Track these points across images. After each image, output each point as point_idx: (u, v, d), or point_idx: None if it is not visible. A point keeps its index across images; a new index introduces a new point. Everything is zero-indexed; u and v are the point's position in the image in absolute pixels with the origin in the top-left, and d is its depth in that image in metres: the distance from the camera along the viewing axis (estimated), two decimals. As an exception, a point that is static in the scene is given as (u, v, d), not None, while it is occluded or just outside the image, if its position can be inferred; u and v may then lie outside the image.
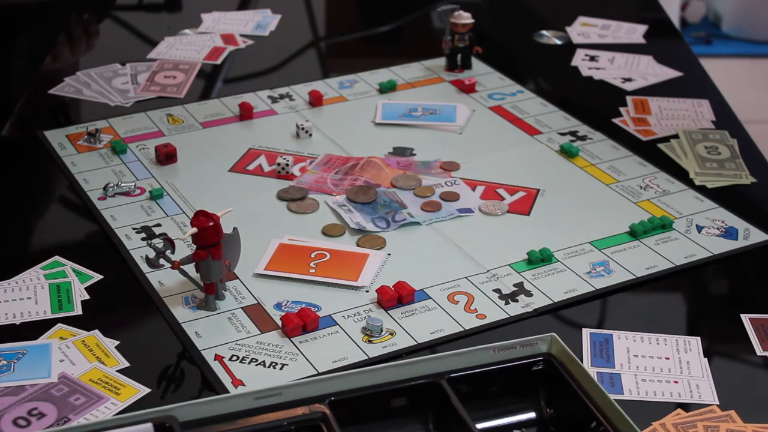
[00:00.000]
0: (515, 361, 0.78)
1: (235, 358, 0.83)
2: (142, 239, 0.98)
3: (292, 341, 0.85)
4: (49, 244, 0.97)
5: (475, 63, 1.35)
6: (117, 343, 0.85)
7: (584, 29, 1.46)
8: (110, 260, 0.95)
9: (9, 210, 1.05)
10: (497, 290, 0.92)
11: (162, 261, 0.89)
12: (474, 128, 1.20)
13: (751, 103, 2.73)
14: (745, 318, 0.89)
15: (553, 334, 0.78)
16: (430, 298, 0.91)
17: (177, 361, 0.84)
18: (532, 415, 0.78)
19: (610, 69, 1.34)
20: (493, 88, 1.29)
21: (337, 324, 0.88)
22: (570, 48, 1.41)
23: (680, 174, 1.10)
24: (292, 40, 1.46)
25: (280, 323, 0.87)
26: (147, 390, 0.80)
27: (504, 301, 0.91)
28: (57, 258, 0.95)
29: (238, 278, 0.93)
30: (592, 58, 1.37)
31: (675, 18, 2.96)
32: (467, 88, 1.28)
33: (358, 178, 1.08)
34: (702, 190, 1.07)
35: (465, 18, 1.30)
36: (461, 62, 1.33)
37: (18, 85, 1.33)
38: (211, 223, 0.86)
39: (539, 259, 0.95)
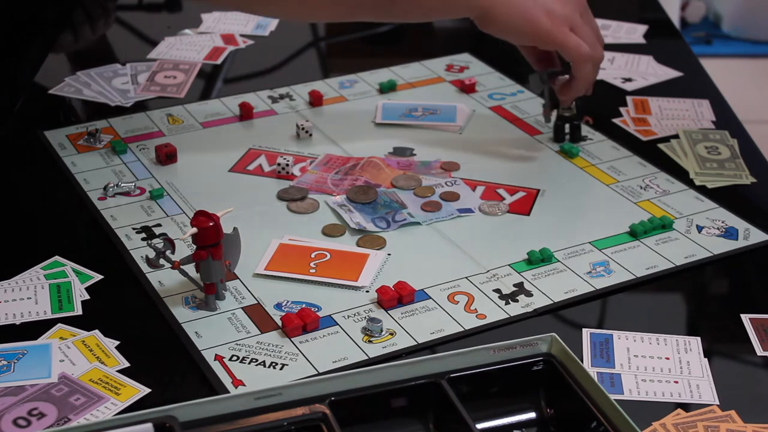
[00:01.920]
0: (515, 361, 0.78)
1: (235, 358, 0.83)
2: (142, 239, 0.98)
3: (292, 341, 0.85)
4: (49, 244, 0.97)
5: (476, 63, 1.35)
6: (117, 343, 0.85)
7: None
8: (110, 260, 0.95)
9: (9, 210, 1.05)
10: (497, 290, 0.92)
11: (162, 261, 0.89)
12: (474, 128, 1.20)
13: (751, 103, 2.73)
14: (745, 318, 0.89)
15: (553, 334, 0.78)
16: (430, 298, 0.91)
17: (177, 361, 0.84)
18: (532, 415, 0.78)
19: (610, 69, 1.34)
20: (493, 88, 1.29)
21: (337, 324, 0.88)
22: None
23: (680, 174, 1.10)
24: (292, 40, 1.46)
25: (280, 323, 0.87)
26: (147, 390, 0.80)
27: (504, 301, 0.91)
28: (57, 258, 0.95)
29: (238, 278, 0.93)
30: (592, 58, 1.37)
31: (675, 18, 2.96)
32: (467, 88, 1.28)
33: (358, 178, 1.08)
34: (702, 190, 1.08)
35: None
36: (570, 134, 1.16)
37: (22, 86, 1.33)
38: (211, 223, 0.86)
39: (539, 259, 0.95)
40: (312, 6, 1.06)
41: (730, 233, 1.00)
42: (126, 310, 0.90)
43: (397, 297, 0.90)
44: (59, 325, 0.87)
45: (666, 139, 1.17)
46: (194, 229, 0.86)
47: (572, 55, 1.07)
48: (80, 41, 1.43)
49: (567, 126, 1.16)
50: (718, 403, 0.79)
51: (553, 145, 1.16)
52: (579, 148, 1.14)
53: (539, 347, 0.78)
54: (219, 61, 1.36)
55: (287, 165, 1.09)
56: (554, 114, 1.16)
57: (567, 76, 1.12)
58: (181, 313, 0.88)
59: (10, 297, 0.90)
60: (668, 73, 1.34)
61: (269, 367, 0.83)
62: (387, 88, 1.28)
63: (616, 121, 1.22)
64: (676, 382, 0.82)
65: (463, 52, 1.38)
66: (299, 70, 1.39)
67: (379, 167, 1.10)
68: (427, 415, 0.76)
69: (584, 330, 0.87)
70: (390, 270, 0.95)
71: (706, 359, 0.85)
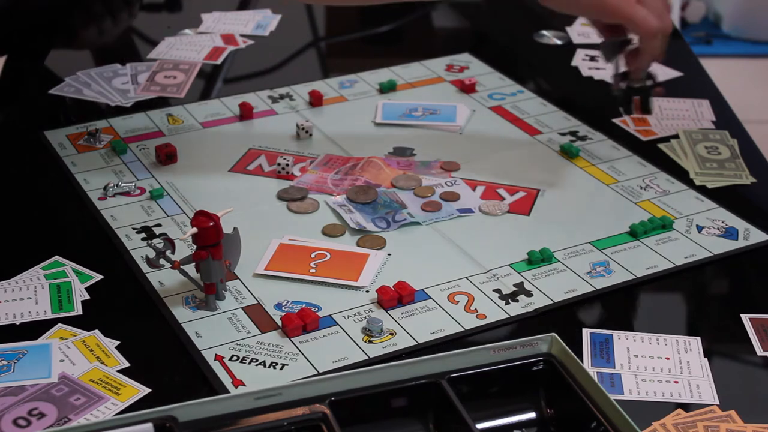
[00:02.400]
0: (515, 361, 0.78)
1: (235, 358, 0.83)
2: (142, 239, 0.98)
3: (292, 341, 0.85)
4: (49, 244, 0.97)
5: (476, 63, 1.35)
6: (117, 343, 0.85)
7: (584, 29, 1.45)
8: (110, 260, 0.95)
9: (9, 210, 1.05)
10: (497, 290, 0.92)
11: (162, 261, 0.89)
12: (474, 128, 1.20)
13: (751, 103, 2.73)
14: (745, 318, 0.89)
15: (553, 334, 0.78)
16: (430, 298, 0.91)
17: (177, 361, 0.84)
18: (532, 415, 0.78)
19: (610, 69, 1.34)
20: (493, 88, 1.29)
21: (337, 324, 0.88)
22: (570, 48, 1.41)
23: (680, 174, 1.10)
24: (292, 40, 1.46)
25: (280, 323, 0.87)
26: (147, 390, 0.80)
27: (504, 301, 0.91)
28: (57, 258, 0.95)
29: (238, 278, 0.93)
30: (592, 58, 1.37)
31: (675, 18, 2.96)
32: (467, 88, 1.28)
33: (358, 178, 1.08)
34: (702, 190, 1.08)
35: None
36: (641, 106, 1.13)
37: (24, 85, 1.34)
38: (211, 223, 0.86)
39: (539, 259, 0.95)
40: None
41: (730, 233, 1.00)
42: (126, 310, 0.90)
43: (397, 297, 0.90)
44: (59, 325, 0.87)
45: (666, 139, 1.17)
46: (194, 229, 0.86)
47: (639, 29, 1.04)
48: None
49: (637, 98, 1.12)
50: (718, 403, 0.79)
51: (553, 144, 1.16)
52: (579, 147, 1.14)
53: (539, 347, 0.78)
54: (219, 61, 1.36)
55: (287, 165, 1.09)
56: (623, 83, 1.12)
57: (635, 43, 1.09)
58: (181, 313, 0.88)
59: (10, 297, 0.90)
60: (668, 73, 1.34)
61: (269, 367, 0.83)
62: (387, 88, 1.28)
63: (616, 121, 1.22)
64: (676, 382, 0.82)
65: (463, 52, 1.38)
66: (299, 70, 1.39)
67: (379, 167, 1.10)
68: (427, 415, 0.76)
69: (584, 330, 0.87)
70: (390, 270, 0.95)
71: (706, 359, 0.85)
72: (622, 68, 1.11)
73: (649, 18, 1.03)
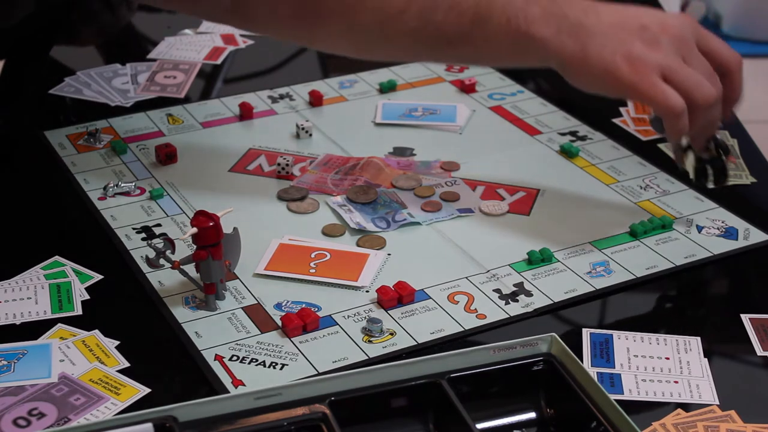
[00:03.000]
0: (515, 361, 0.78)
1: (235, 358, 0.83)
2: (142, 239, 0.98)
3: (292, 341, 0.85)
4: (49, 244, 0.97)
5: (475, 63, 1.35)
6: (117, 343, 0.85)
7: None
8: (110, 260, 0.95)
9: (9, 210, 1.05)
10: (497, 290, 0.92)
11: (162, 261, 0.89)
12: (474, 128, 1.20)
13: (751, 103, 2.73)
14: (745, 318, 0.89)
15: (553, 334, 0.78)
16: (430, 298, 0.91)
17: (177, 361, 0.84)
18: (532, 415, 0.78)
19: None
20: (493, 88, 1.29)
21: (337, 324, 0.88)
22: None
23: (680, 174, 1.10)
24: (292, 40, 1.46)
25: (280, 323, 0.87)
26: (147, 390, 0.80)
27: (504, 301, 0.91)
28: (57, 258, 0.95)
29: (238, 278, 0.93)
30: (592, 58, 1.37)
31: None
32: (467, 88, 1.28)
33: (358, 178, 1.08)
34: (702, 190, 1.07)
35: None
36: (714, 178, 1.00)
37: (22, 86, 1.34)
38: (211, 223, 0.86)
39: (539, 259, 0.95)
40: (363, 42, 0.99)
41: (730, 233, 1.00)
42: (126, 310, 0.90)
43: (397, 297, 0.90)
44: (59, 325, 0.87)
45: (666, 139, 1.17)
46: (194, 229, 0.86)
47: (659, 110, 0.92)
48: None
49: (708, 169, 1.00)
50: (718, 403, 0.79)
51: (553, 144, 1.16)
52: (579, 147, 1.14)
53: (539, 347, 0.78)
54: (219, 61, 1.36)
55: (287, 165, 1.09)
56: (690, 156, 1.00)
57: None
58: (181, 313, 0.88)
59: (10, 297, 0.90)
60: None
61: (269, 367, 0.83)
62: (387, 88, 1.28)
63: (616, 121, 1.22)
64: (676, 382, 0.82)
65: (463, 52, 1.38)
66: (299, 70, 1.39)
67: (379, 167, 1.10)
68: (427, 415, 0.76)
69: (584, 330, 0.87)
70: (390, 270, 0.95)
71: (706, 359, 0.85)
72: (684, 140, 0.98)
73: (669, 95, 0.89)
